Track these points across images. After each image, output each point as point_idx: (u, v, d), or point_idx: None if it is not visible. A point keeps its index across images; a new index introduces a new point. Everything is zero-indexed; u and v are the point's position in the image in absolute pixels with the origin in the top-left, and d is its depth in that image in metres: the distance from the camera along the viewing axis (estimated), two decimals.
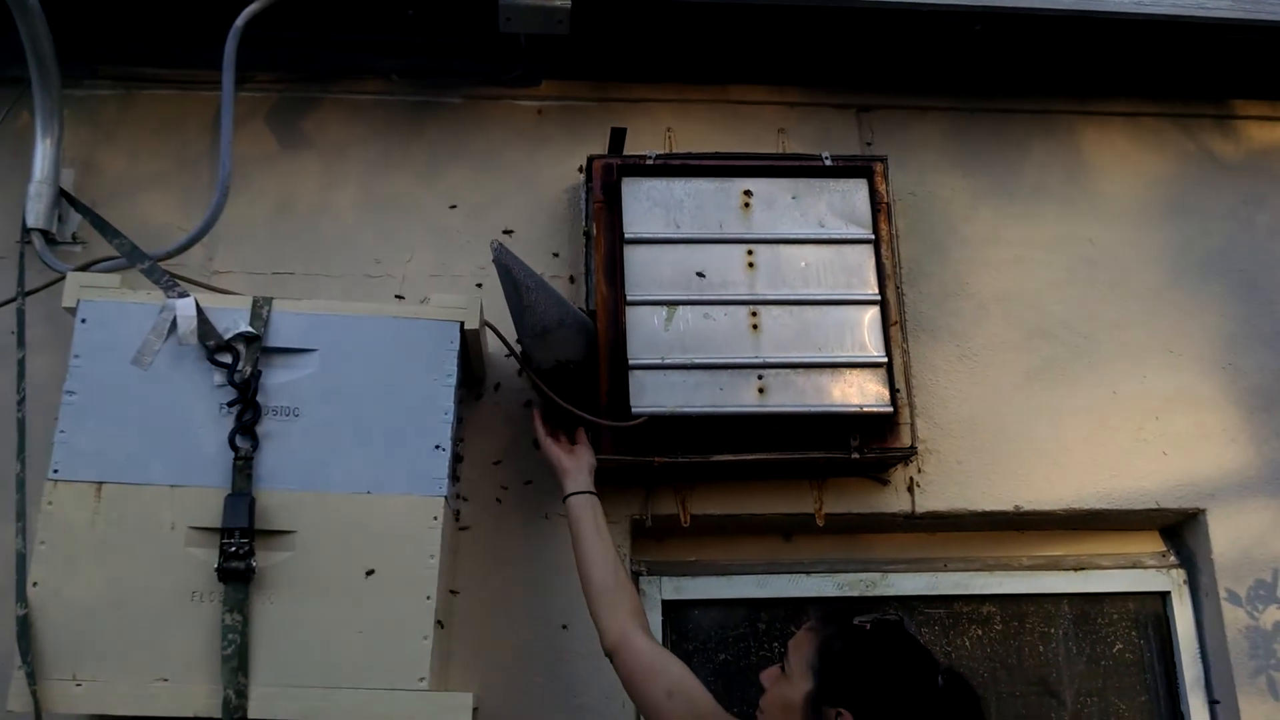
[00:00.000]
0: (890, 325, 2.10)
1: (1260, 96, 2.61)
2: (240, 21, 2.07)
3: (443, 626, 1.76)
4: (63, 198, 2.17)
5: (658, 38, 2.35)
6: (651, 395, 2.00)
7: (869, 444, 2.06)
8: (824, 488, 2.18)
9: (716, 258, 2.11)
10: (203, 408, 1.77)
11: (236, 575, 1.68)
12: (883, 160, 2.24)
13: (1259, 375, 2.37)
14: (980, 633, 2.31)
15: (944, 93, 2.51)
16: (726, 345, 2.05)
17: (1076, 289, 2.39)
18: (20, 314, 1.99)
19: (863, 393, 2.05)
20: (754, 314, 2.08)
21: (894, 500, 2.20)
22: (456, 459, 2.03)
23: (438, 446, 1.80)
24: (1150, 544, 2.39)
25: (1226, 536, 2.25)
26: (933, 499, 2.20)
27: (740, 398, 2.02)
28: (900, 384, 2.10)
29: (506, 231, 2.28)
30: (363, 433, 1.79)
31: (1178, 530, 2.37)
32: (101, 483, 1.73)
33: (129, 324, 1.81)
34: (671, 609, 2.23)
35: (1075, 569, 2.33)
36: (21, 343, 1.95)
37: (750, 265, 2.11)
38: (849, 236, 2.15)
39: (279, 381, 1.81)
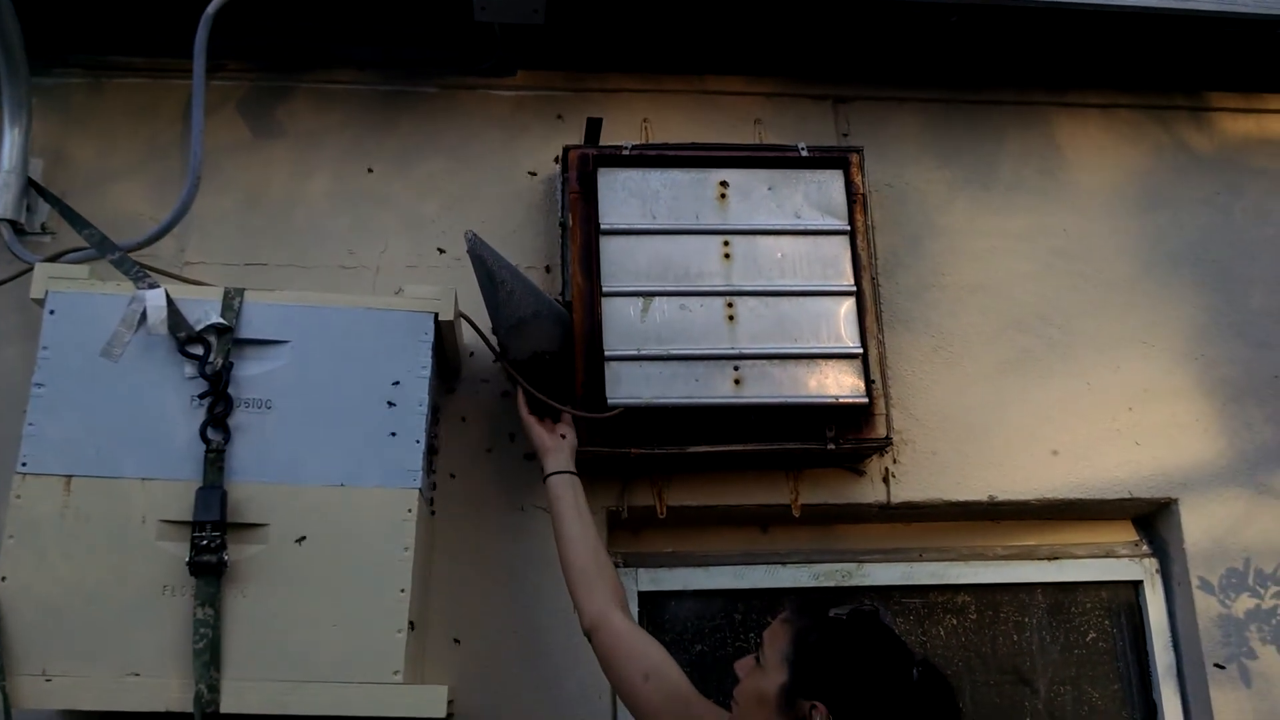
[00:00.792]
0: (866, 316, 2.11)
1: (1234, 89, 2.63)
2: (211, 9, 2.04)
3: (414, 628, 1.75)
4: (31, 188, 2.14)
5: (634, 27, 2.34)
6: (627, 386, 2.00)
7: (845, 435, 2.07)
8: (800, 479, 2.19)
9: (693, 249, 2.11)
10: (174, 400, 1.76)
11: (208, 569, 1.67)
12: (859, 151, 2.24)
13: (1231, 366, 2.39)
14: (955, 622, 2.32)
15: (920, 84, 2.51)
16: (702, 336, 2.05)
17: (1052, 280, 2.40)
18: None
19: (838, 384, 2.06)
20: (730, 305, 2.08)
21: (869, 491, 2.20)
22: (431, 451, 2.02)
23: (412, 439, 1.79)
24: (1123, 533, 2.40)
25: (1199, 526, 2.27)
26: (908, 489, 2.21)
27: (716, 389, 2.03)
28: (876, 375, 2.10)
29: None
30: (336, 425, 1.78)
31: (1150, 520, 2.38)
32: (71, 476, 1.71)
33: (98, 315, 1.78)
34: (648, 600, 2.23)
35: (1049, 558, 2.34)
36: None
37: (726, 256, 2.11)
38: (825, 228, 2.15)
39: (251, 373, 1.79)
